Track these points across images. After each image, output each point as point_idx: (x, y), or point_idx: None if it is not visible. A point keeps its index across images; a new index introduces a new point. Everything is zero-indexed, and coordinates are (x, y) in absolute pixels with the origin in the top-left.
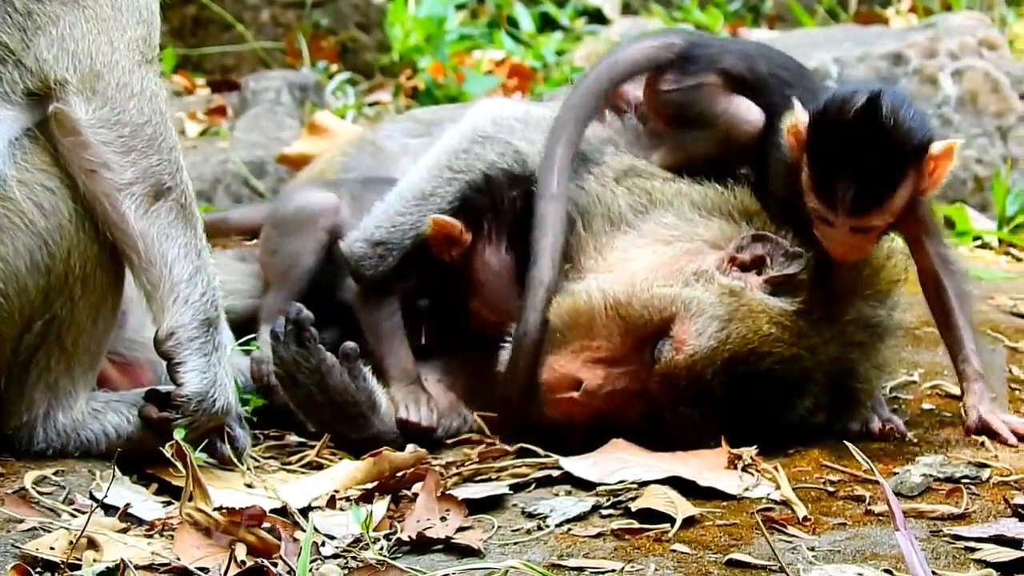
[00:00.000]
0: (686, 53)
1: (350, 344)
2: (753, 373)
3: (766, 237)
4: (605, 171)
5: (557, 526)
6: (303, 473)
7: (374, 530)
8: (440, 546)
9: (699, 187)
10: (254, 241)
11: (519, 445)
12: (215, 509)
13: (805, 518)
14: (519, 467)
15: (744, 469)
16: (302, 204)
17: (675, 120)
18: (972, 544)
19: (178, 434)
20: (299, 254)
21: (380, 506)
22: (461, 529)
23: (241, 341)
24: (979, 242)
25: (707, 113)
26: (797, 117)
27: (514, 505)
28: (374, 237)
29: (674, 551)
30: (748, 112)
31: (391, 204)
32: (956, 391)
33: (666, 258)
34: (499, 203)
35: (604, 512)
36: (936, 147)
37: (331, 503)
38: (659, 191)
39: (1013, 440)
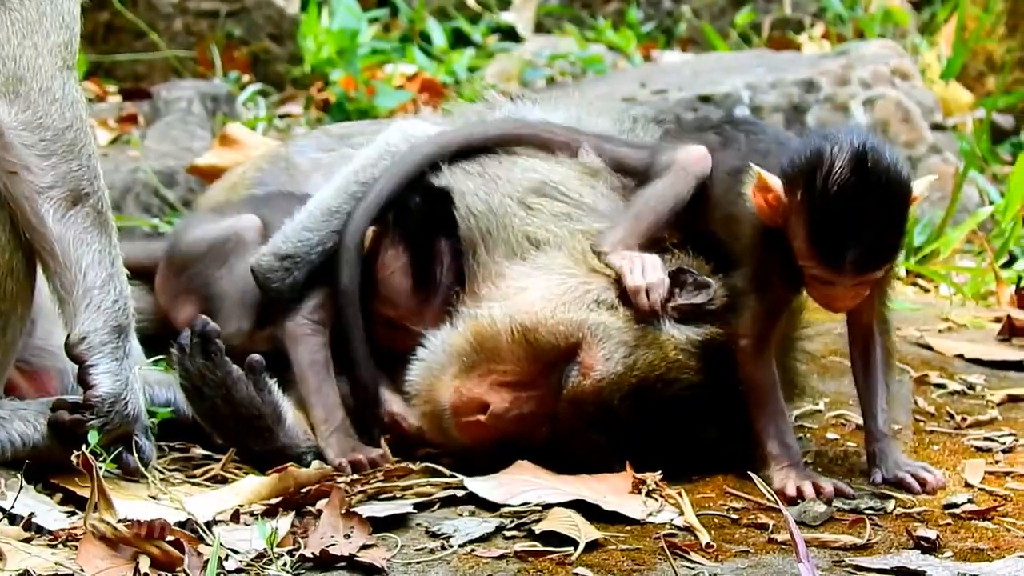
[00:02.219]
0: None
1: (255, 357)
2: (660, 399)
3: (674, 267)
4: (513, 188)
5: (460, 546)
6: (208, 487)
7: (278, 546)
8: (343, 563)
9: (592, 221)
10: None
11: (424, 464)
12: (120, 521)
13: (708, 545)
14: (424, 486)
15: (648, 494)
16: (229, 231)
17: None
18: (874, 575)
19: (92, 437)
20: (245, 278)
21: (284, 522)
22: (365, 547)
23: (152, 360)
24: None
25: None
26: (768, 182)
27: (418, 524)
28: (281, 251)
29: (577, 574)
30: None
31: (300, 220)
32: (861, 420)
33: (565, 288)
34: (402, 208)
35: (508, 533)
36: (917, 187)
37: (235, 517)
38: (554, 228)
39: (918, 488)
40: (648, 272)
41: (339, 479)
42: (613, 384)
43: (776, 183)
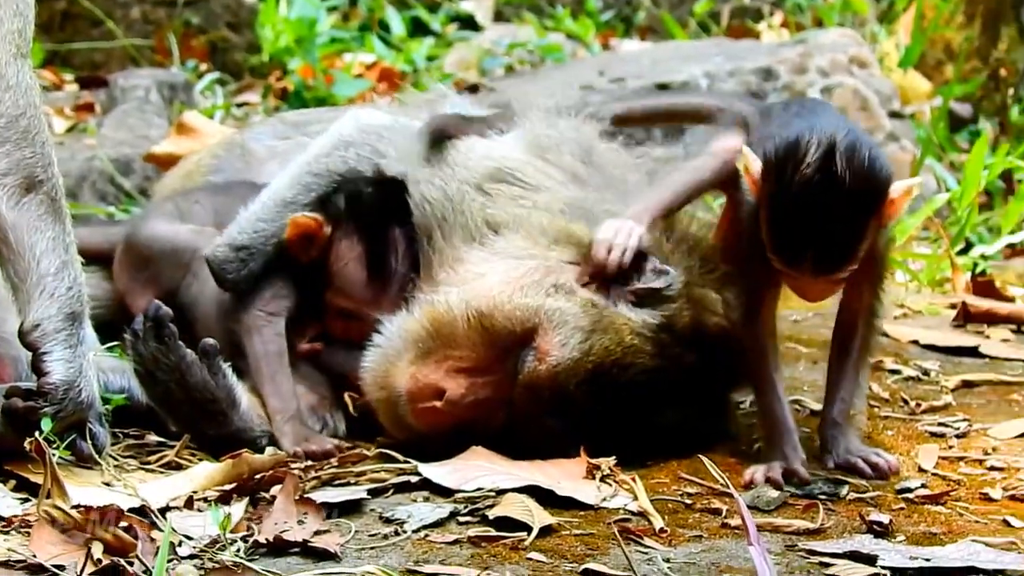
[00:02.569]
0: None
1: (209, 341)
2: (616, 384)
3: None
4: (470, 174)
5: (414, 532)
6: (162, 473)
7: (231, 531)
8: (297, 549)
9: (550, 208)
10: None
11: (378, 450)
12: (73, 507)
13: (661, 530)
14: (378, 472)
15: (602, 479)
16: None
17: None
18: (827, 560)
19: (45, 424)
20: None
21: (238, 508)
22: (318, 533)
23: (107, 346)
24: None
25: None
26: (750, 164)
27: (372, 510)
28: (236, 242)
29: (530, 559)
30: None
31: (254, 210)
32: (815, 406)
33: (521, 273)
34: (356, 199)
35: (461, 519)
36: (895, 191)
37: (189, 504)
38: (511, 212)
39: (870, 473)
40: (622, 235)
41: (293, 465)
42: (569, 369)
43: (756, 167)
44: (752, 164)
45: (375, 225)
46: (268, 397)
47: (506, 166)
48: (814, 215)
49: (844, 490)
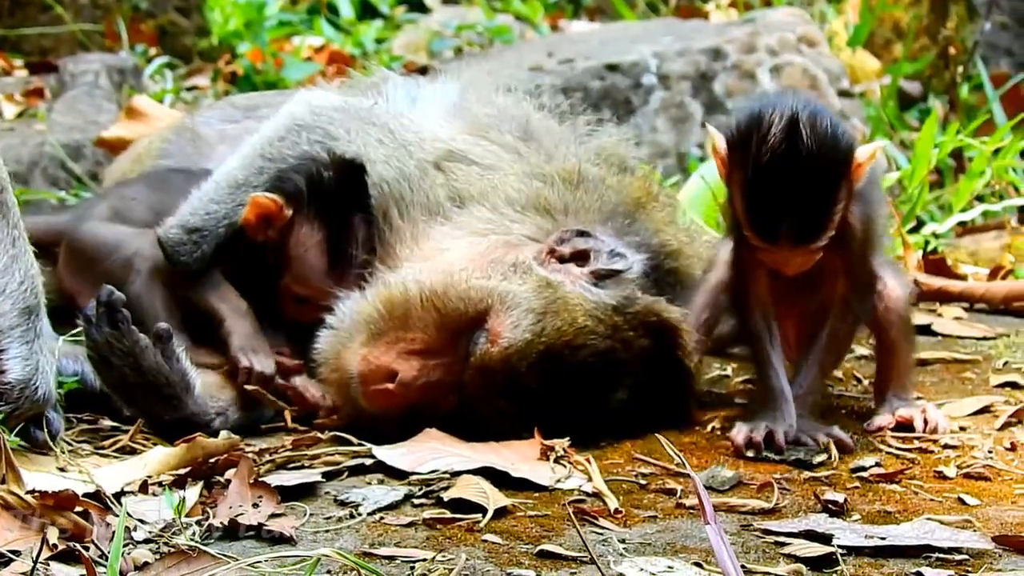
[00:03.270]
0: None
1: (163, 325)
2: (568, 366)
3: (589, 233)
4: (425, 155)
5: (369, 514)
6: (116, 458)
7: (186, 516)
8: (252, 533)
9: (514, 181)
10: None
11: (332, 433)
12: (28, 492)
13: (616, 510)
14: (332, 455)
15: (557, 461)
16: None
17: None
18: (782, 539)
19: None
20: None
21: (192, 492)
22: (273, 516)
23: (68, 335)
24: None
25: None
26: (716, 142)
27: (327, 493)
28: (189, 224)
29: (485, 541)
30: None
31: (206, 192)
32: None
33: (482, 249)
34: (317, 183)
35: (416, 501)
36: (861, 154)
37: (144, 488)
38: (475, 185)
39: (822, 449)
40: None
41: (247, 449)
42: (521, 352)
43: (722, 144)
44: (719, 142)
45: (335, 211)
46: (223, 324)
47: (456, 148)
48: (783, 185)
49: (819, 458)
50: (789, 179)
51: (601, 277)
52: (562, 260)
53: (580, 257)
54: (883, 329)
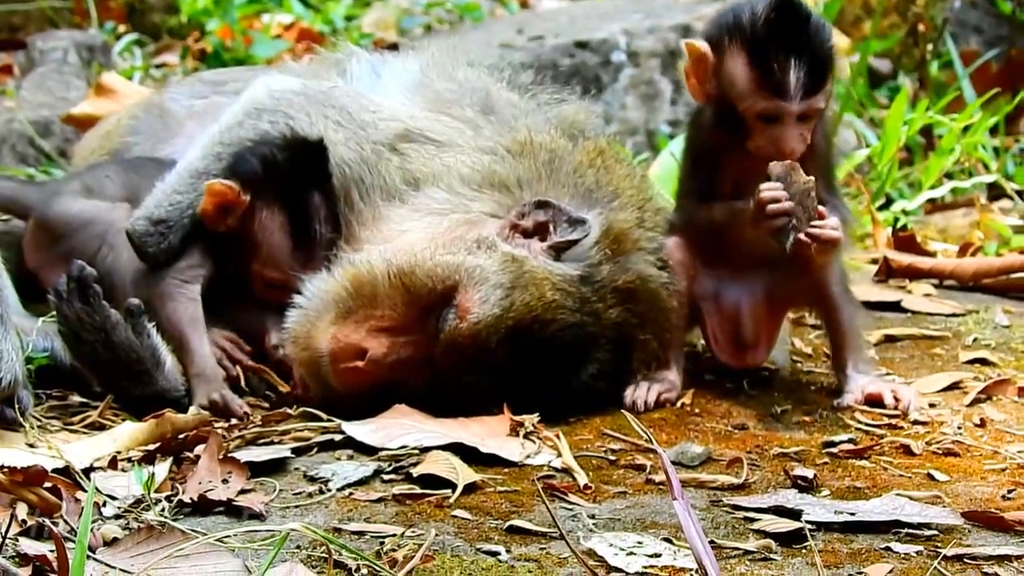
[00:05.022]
0: None
1: (134, 301)
2: (537, 340)
3: (548, 203)
4: (382, 136)
5: (339, 490)
6: (86, 433)
7: (156, 491)
8: (221, 508)
9: (468, 159)
10: None
11: (302, 409)
12: None
13: (586, 486)
14: (301, 431)
15: (526, 436)
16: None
17: None
18: (751, 514)
19: None
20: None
21: (162, 468)
22: (243, 492)
23: (44, 318)
24: None
25: None
26: (697, 46)
27: (296, 469)
28: (154, 216)
29: (455, 517)
30: None
31: (170, 183)
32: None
33: (444, 228)
34: (272, 165)
35: (386, 477)
36: (836, 38)
37: (113, 464)
38: (429, 166)
39: None
40: None
41: (217, 425)
42: (490, 327)
43: (703, 45)
44: (698, 47)
45: (295, 191)
46: (183, 360)
47: (414, 127)
48: (789, 40)
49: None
50: (789, 34)
51: (562, 249)
52: (526, 234)
53: (542, 229)
54: (820, 295)
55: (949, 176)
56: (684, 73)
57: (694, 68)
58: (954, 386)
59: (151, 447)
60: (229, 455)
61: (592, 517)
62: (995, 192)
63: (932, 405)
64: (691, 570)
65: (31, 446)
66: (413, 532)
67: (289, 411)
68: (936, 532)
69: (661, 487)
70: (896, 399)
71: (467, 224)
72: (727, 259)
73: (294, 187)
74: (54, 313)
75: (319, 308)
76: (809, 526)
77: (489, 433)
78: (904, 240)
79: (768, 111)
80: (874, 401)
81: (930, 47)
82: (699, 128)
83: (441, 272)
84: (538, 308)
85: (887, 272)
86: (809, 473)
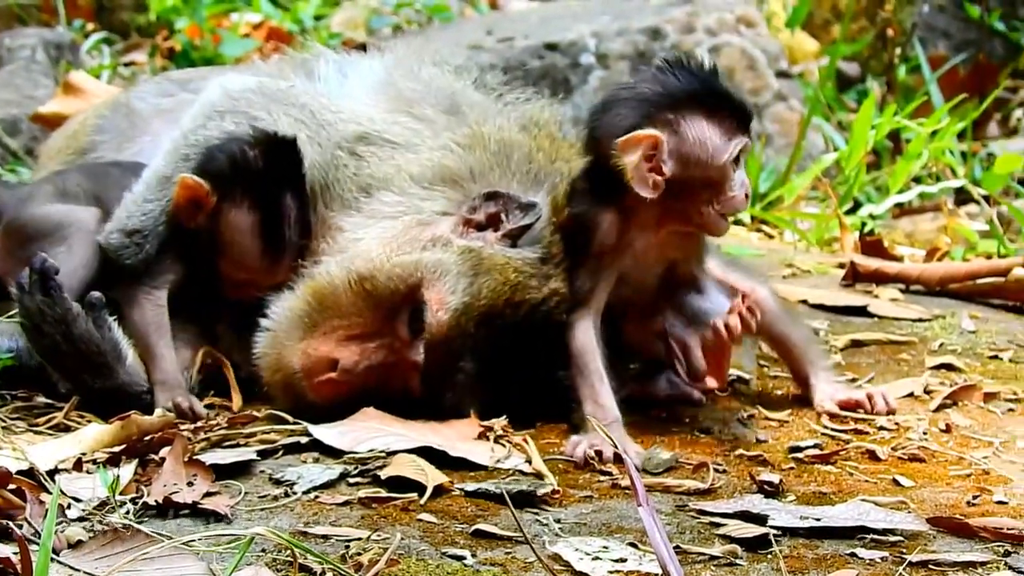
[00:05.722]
0: None
1: (95, 294)
2: (513, 324)
3: (498, 194)
4: (340, 139)
5: (304, 493)
6: (50, 435)
7: (121, 494)
8: (187, 511)
9: (416, 157)
10: None
11: (268, 411)
12: None
13: (553, 490)
14: (268, 433)
15: (496, 440)
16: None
17: None
18: (717, 520)
19: None
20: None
21: (127, 470)
22: (208, 494)
23: (6, 316)
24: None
25: None
26: (647, 136)
27: (261, 471)
28: (128, 227)
29: (420, 520)
30: None
31: (139, 192)
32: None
33: (397, 231)
34: (242, 162)
35: (352, 480)
36: None
37: (78, 466)
38: (382, 169)
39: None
40: None
41: (182, 427)
42: (465, 314)
43: (648, 131)
44: (648, 134)
45: (266, 190)
46: (149, 367)
47: (372, 129)
48: (715, 80)
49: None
50: (712, 76)
51: (517, 236)
52: (480, 228)
53: (495, 220)
54: (769, 333)
55: (917, 180)
56: (629, 174)
57: (649, 158)
58: (920, 391)
59: (116, 449)
60: (194, 457)
61: (558, 522)
62: (962, 197)
63: (893, 412)
64: (656, 575)
65: None
66: (379, 536)
67: (255, 413)
68: (901, 538)
69: (627, 492)
70: (870, 399)
71: (420, 225)
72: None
73: (265, 186)
74: (12, 313)
75: (286, 328)
76: (775, 531)
77: (458, 436)
78: (871, 244)
79: (743, 148)
80: (847, 407)
81: (898, 51)
82: (599, 225)
83: (401, 272)
84: (506, 292)
85: (854, 276)
86: (775, 478)
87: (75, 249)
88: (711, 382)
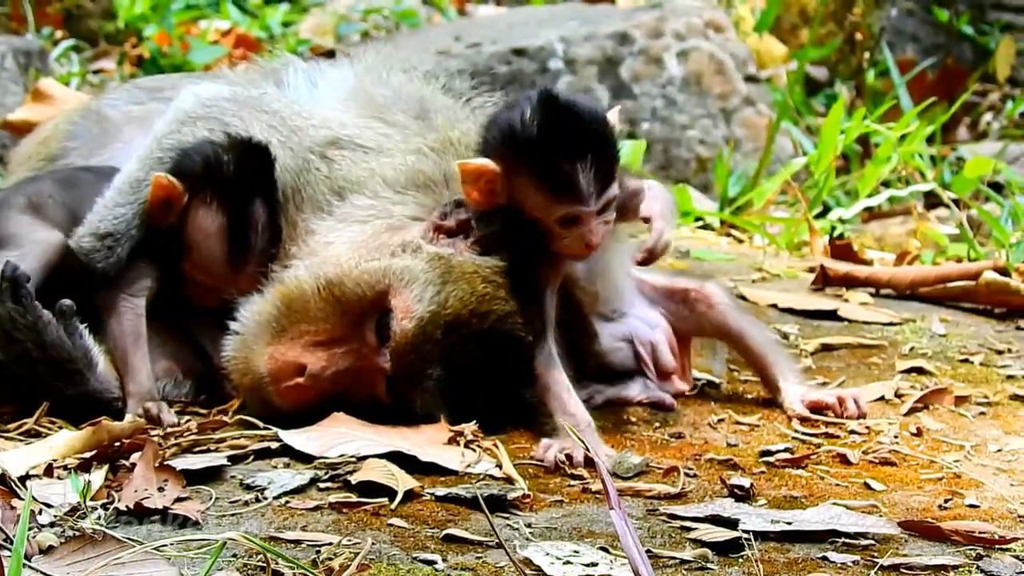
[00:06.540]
0: None
1: (66, 301)
2: (479, 333)
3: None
4: (312, 144)
5: (275, 498)
6: (21, 441)
7: (92, 499)
8: (157, 516)
9: (390, 161)
10: None
11: (238, 417)
12: None
13: (524, 495)
14: (238, 439)
15: (466, 445)
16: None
17: None
18: (688, 524)
19: None
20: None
21: (98, 475)
22: (179, 500)
23: None
24: (701, 223)
25: None
26: (476, 166)
27: (232, 477)
28: (100, 230)
29: (391, 525)
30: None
31: (111, 197)
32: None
33: (367, 236)
34: (215, 164)
35: (323, 485)
36: (612, 116)
37: (49, 471)
38: (354, 173)
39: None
40: None
41: (153, 432)
42: (432, 322)
43: (485, 162)
44: (479, 163)
45: (236, 195)
46: (123, 377)
47: (344, 133)
48: (572, 142)
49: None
50: (569, 137)
51: (486, 243)
52: (450, 234)
53: (465, 226)
54: (724, 327)
55: (886, 185)
56: (464, 191)
57: (477, 185)
58: (891, 395)
59: (87, 454)
60: (165, 463)
61: (529, 526)
62: (932, 201)
63: (864, 416)
64: None
65: None
66: (349, 541)
67: (225, 419)
68: (873, 541)
69: (598, 496)
70: (841, 402)
71: (390, 230)
72: None
73: (236, 191)
74: None
75: (254, 331)
76: (746, 535)
77: (428, 441)
78: (841, 248)
79: (569, 216)
80: (816, 407)
81: (867, 55)
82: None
83: (369, 278)
84: (472, 302)
85: (824, 280)
86: (746, 482)
87: (27, 260)
88: (679, 384)
